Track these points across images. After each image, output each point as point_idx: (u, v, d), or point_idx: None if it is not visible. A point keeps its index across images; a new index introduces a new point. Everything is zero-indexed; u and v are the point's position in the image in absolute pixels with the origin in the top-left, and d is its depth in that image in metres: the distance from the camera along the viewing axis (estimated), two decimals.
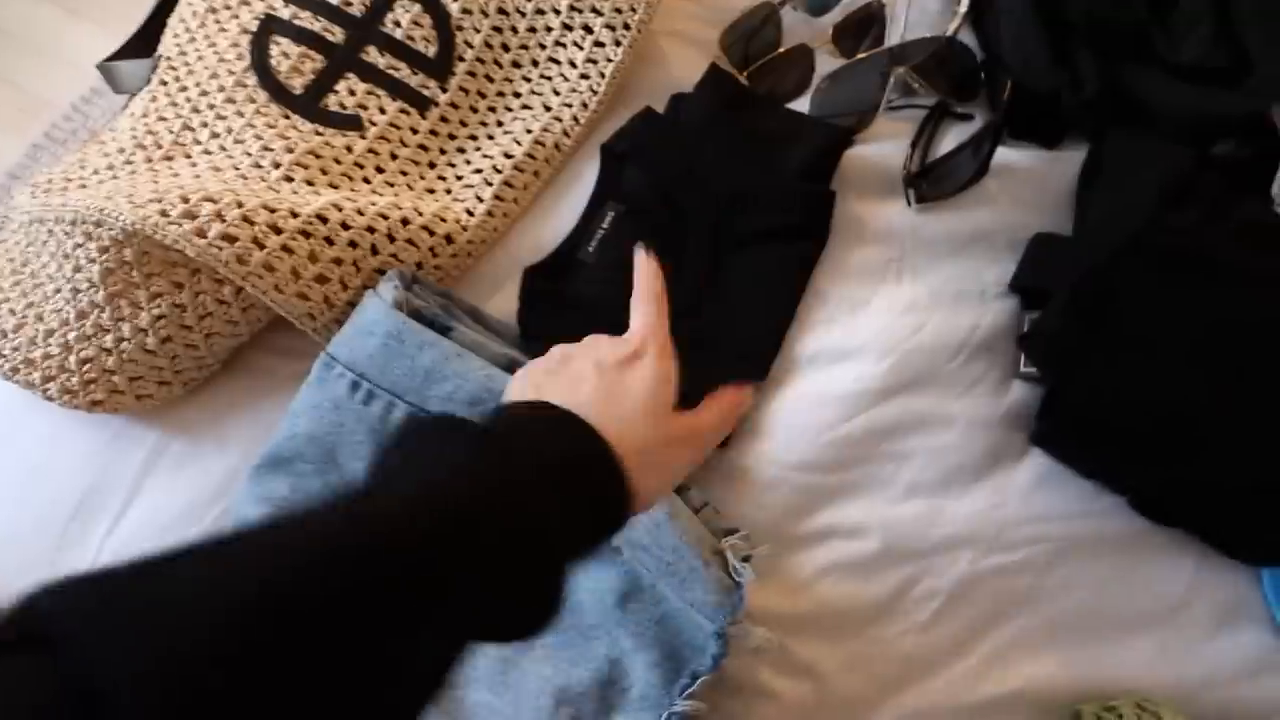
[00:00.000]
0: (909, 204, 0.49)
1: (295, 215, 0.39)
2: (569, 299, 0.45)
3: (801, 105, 0.52)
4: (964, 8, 0.53)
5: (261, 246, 0.38)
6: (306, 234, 0.40)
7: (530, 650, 0.37)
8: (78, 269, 0.40)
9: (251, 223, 0.38)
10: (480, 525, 0.23)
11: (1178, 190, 0.42)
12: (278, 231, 0.39)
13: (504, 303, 0.46)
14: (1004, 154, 0.50)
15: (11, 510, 0.45)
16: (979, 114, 0.52)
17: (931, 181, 0.49)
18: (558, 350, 0.33)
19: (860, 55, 0.52)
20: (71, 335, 0.40)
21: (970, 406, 0.45)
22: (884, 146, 0.51)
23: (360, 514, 0.22)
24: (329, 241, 0.40)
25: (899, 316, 0.47)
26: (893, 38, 0.54)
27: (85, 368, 0.40)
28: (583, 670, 0.36)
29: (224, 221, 0.38)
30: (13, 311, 0.42)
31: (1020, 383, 0.46)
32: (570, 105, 0.48)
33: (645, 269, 0.35)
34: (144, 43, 0.55)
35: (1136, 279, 0.40)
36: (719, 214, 0.47)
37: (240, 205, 0.38)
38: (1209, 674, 0.42)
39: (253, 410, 0.44)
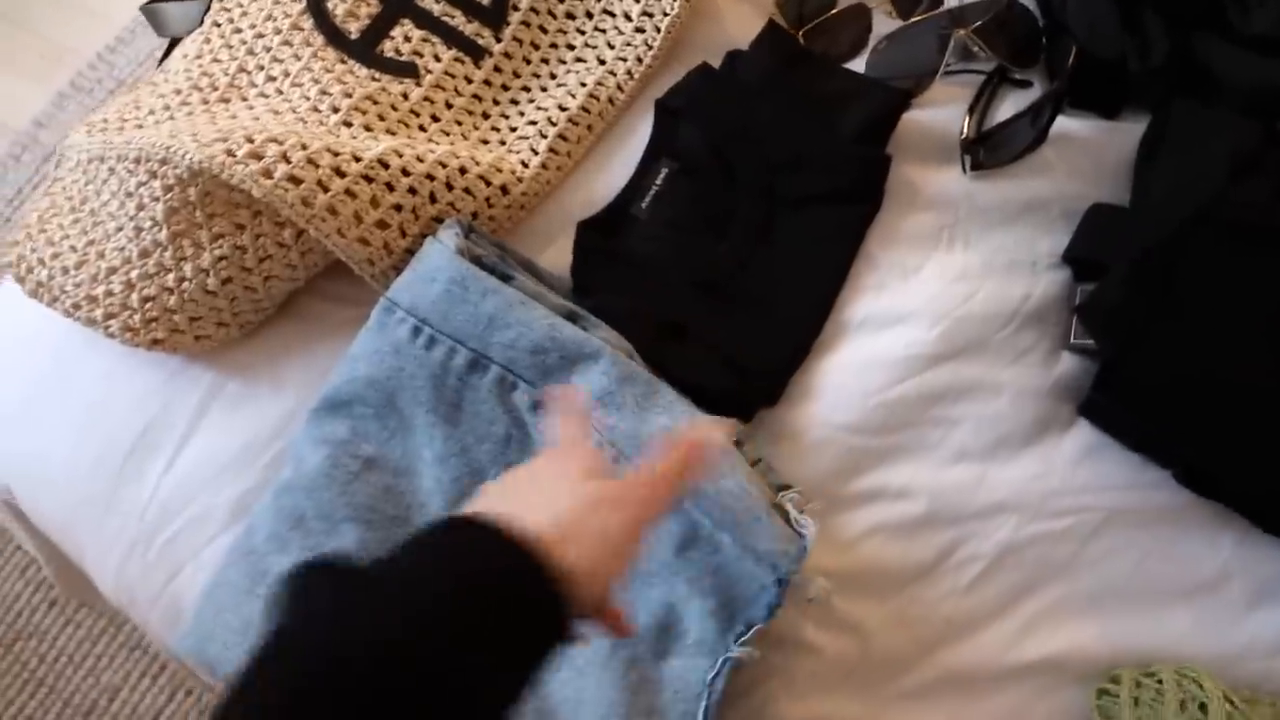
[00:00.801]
0: (964, 171, 0.49)
1: (358, 160, 0.39)
2: (621, 255, 0.45)
3: (856, 66, 0.51)
4: None
5: (326, 190, 0.38)
6: (369, 179, 0.40)
7: None
8: (140, 207, 0.40)
9: (316, 165, 0.38)
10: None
11: (1245, 163, 0.42)
12: (341, 175, 0.39)
13: (556, 256, 0.46)
14: (1062, 123, 0.49)
15: (71, 446, 0.45)
16: (1037, 81, 0.52)
17: (988, 149, 0.48)
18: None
19: (918, 16, 0.51)
20: (134, 273, 0.41)
21: (1019, 375, 0.45)
22: (941, 111, 0.50)
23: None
24: (389, 187, 0.40)
25: (950, 284, 0.47)
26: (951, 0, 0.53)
27: (147, 306, 0.41)
28: (640, 615, 0.37)
29: (289, 163, 0.38)
30: (74, 249, 0.42)
31: (1069, 354, 0.46)
32: (624, 59, 0.48)
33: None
34: None
35: (1202, 252, 0.40)
36: (773, 174, 0.46)
37: (305, 148, 0.38)
38: (1245, 647, 0.42)
39: (307, 354, 0.45)
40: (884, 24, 0.52)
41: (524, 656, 0.23)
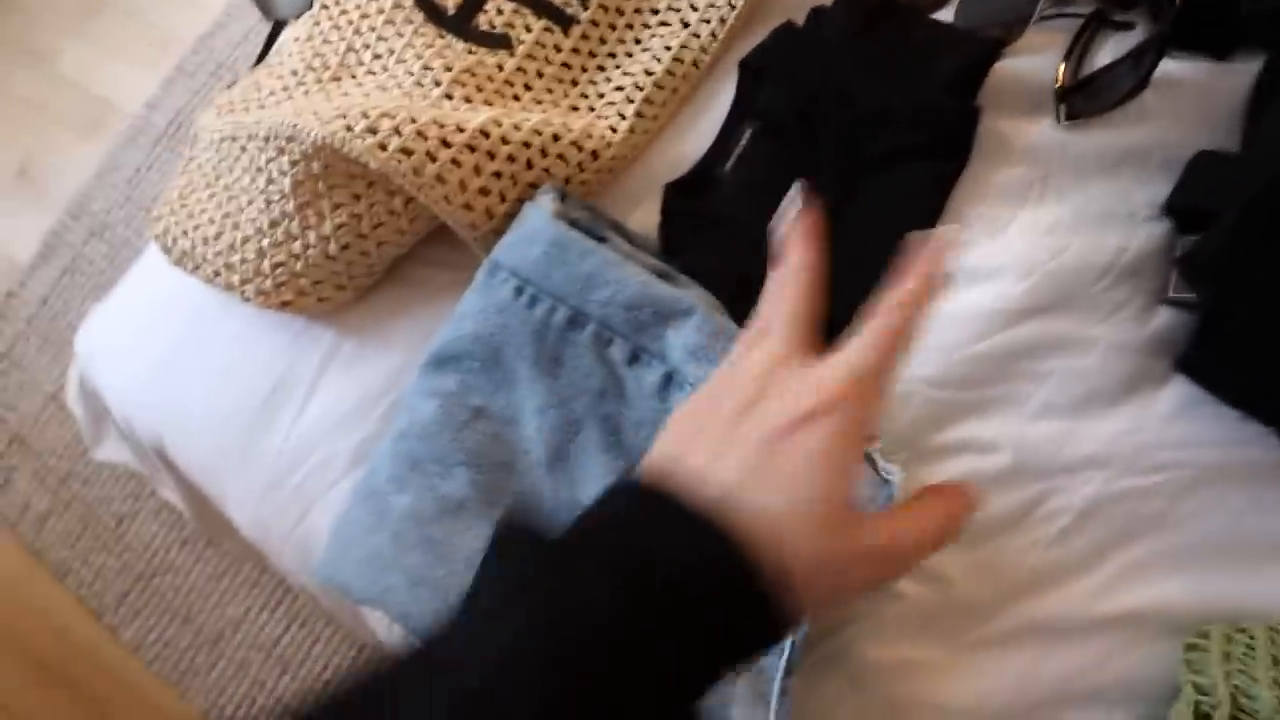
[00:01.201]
0: (1058, 120, 0.47)
1: (461, 130, 0.42)
2: (708, 216, 0.46)
3: (945, 16, 0.50)
4: None
5: (434, 160, 0.41)
6: (471, 148, 0.42)
7: None
8: (270, 181, 0.44)
9: (425, 137, 0.41)
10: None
11: None
12: (447, 145, 0.41)
13: (643, 217, 0.47)
14: (1166, 66, 0.47)
15: (211, 399, 0.51)
16: (1140, 22, 0.49)
17: (1086, 96, 0.47)
18: (710, 388, 0.26)
19: None
20: (265, 242, 0.45)
21: (1112, 331, 0.45)
22: (1034, 60, 0.48)
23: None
24: (490, 156, 0.43)
25: (1041, 238, 0.46)
26: None
27: (277, 271, 0.45)
28: None
29: (401, 136, 0.41)
30: (211, 220, 0.47)
31: (1166, 309, 0.45)
32: (708, 20, 0.48)
33: (798, 241, 0.25)
34: None
35: None
36: (858, 131, 0.46)
37: (414, 121, 0.41)
38: None
39: (411, 316, 0.49)
40: None
41: (725, 657, 0.21)
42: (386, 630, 0.50)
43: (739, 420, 0.24)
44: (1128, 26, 0.49)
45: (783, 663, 0.37)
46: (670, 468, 0.24)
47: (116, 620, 0.90)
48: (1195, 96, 0.47)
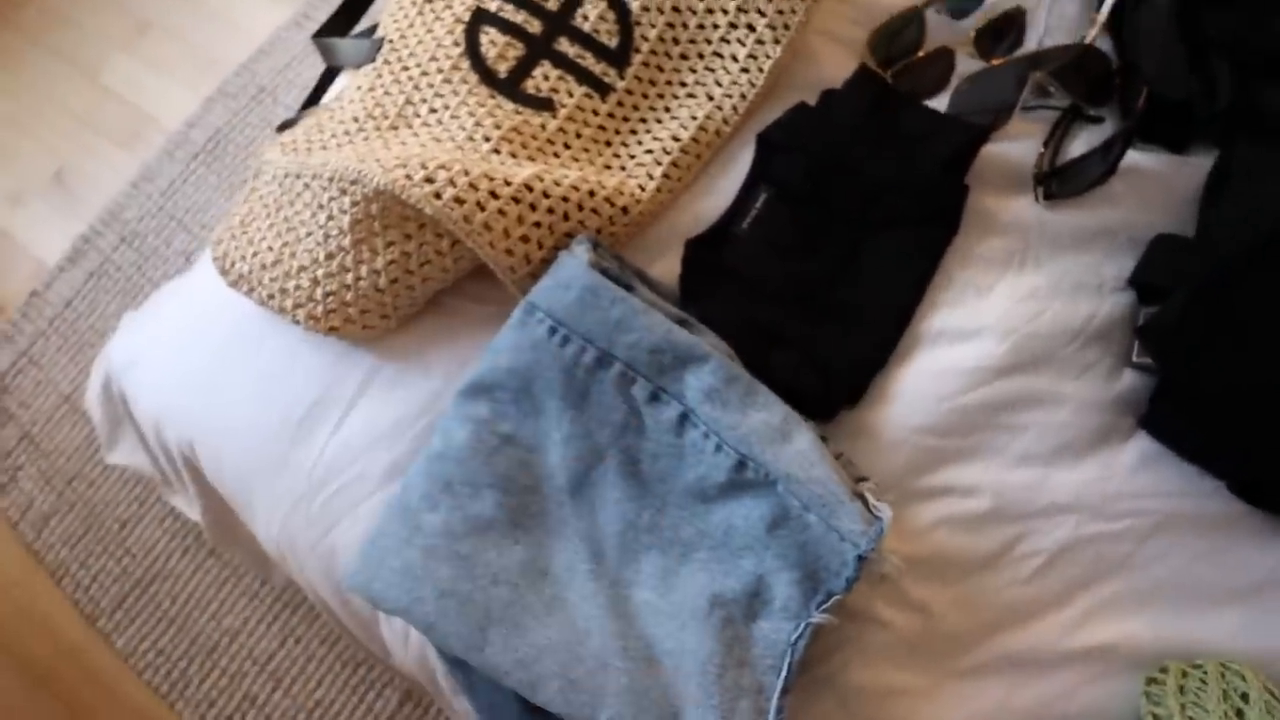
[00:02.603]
0: (1037, 200, 0.53)
1: (508, 184, 0.47)
2: (724, 269, 0.51)
3: (939, 103, 0.56)
4: (1103, 17, 0.56)
5: (483, 209, 0.46)
6: (516, 200, 0.47)
7: (690, 562, 0.44)
8: (330, 217, 0.48)
9: (476, 189, 0.46)
10: None
11: None
12: (496, 197, 0.46)
13: (665, 267, 0.52)
14: (1132, 156, 0.53)
15: (251, 410, 0.54)
16: (1109, 117, 0.56)
17: (1061, 180, 0.53)
18: None
19: (998, 59, 0.56)
20: (320, 272, 0.49)
21: (1083, 389, 0.50)
22: (1017, 145, 0.54)
23: None
24: (532, 208, 0.47)
25: (1020, 302, 0.51)
26: (1031, 42, 0.58)
27: (329, 299, 0.49)
28: (733, 581, 0.43)
29: (455, 187, 0.45)
30: (270, 249, 0.51)
31: (1131, 371, 0.50)
32: (731, 96, 0.54)
33: None
34: (345, 20, 0.63)
35: (1260, 280, 0.43)
36: (863, 201, 0.52)
37: (467, 174, 0.46)
38: None
39: (450, 344, 0.53)
40: (966, 64, 0.56)
41: None
42: (401, 646, 0.53)
43: None
44: (1099, 120, 0.55)
45: (780, 683, 0.41)
46: None
47: (111, 625, 0.90)
48: (1157, 185, 0.54)
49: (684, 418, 0.45)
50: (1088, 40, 0.55)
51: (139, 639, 0.90)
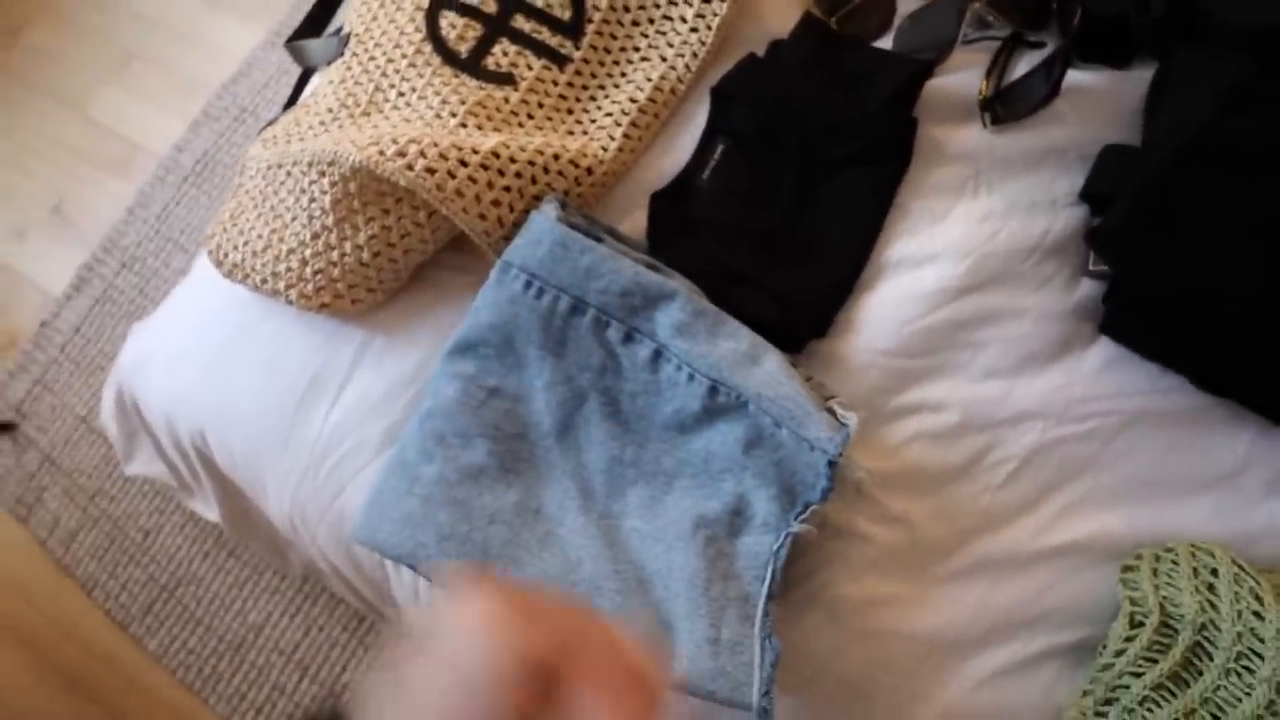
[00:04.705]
0: (985, 126, 0.55)
1: (475, 152, 0.49)
2: (688, 219, 0.53)
3: (884, 44, 0.58)
4: None
5: (453, 177, 0.49)
6: (485, 167, 0.50)
7: (673, 490, 0.46)
8: (312, 200, 0.51)
9: (445, 158, 0.48)
10: None
11: (1239, 98, 0.47)
12: (464, 165, 0.49)
13: (633, 224, 0.55)
14: (1075, 76, 0.55)
15: (254, 393, 0.57)
16: (1050, 41, 0.57)
17: (1005, 104, 0.55)
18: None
19: None
20: (307, 252, 0.52)
21: (1042, 301, 0.52)
22: (961, 76, 0.56)
23: None
24: (501, 173, 0.50)
25: (976, 225, 0.53)
26: None
27: (317, 277, 0.52)
28: (715, 502, 0.45)
29: (425, 158, 0.48)
30: (259, 236, 0.54)
31: (1089, 280, 0.52)
32: (683, 55, 0.56)
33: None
34: (315, 26, 0.66)
35: (1193, 177, 0.45)
36: (814, 143, 0.54)
37: (436, 145, 0.49)
38: (1262, 529, 0.47)
39: (434, 315, 0.55)
40: (907, 4, 0.59)
41: None
42: (411, 596, 0.55)
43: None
44: (1040, 45, 0.57)
45: (764, 589, 0.43)
46: None
47: (142, 630, 0.94)
48: (1102, 102, 0.55)
49: (657, 354, 0.47)
50: None
51: (169, 640, 0.93)
